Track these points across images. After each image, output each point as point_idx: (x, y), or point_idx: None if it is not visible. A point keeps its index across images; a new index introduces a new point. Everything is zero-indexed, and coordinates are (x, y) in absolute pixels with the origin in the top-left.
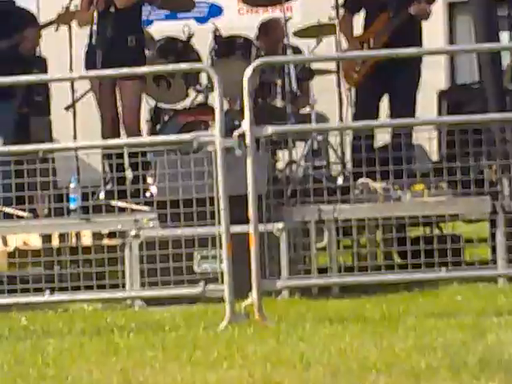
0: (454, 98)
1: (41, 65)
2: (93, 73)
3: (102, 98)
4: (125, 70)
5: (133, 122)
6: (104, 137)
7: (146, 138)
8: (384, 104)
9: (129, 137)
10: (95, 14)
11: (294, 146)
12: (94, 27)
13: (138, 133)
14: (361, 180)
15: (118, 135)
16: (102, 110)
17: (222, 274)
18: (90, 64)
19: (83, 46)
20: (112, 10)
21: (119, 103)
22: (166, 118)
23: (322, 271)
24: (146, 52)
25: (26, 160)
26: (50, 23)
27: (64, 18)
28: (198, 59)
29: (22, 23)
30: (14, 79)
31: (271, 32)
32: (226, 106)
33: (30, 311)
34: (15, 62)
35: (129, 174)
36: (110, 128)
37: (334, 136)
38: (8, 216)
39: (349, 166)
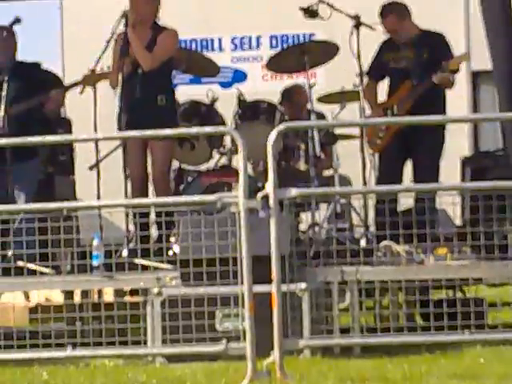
0: (477, 165)
1: (65, 126)
2: (117, 133)
3: (132, 157)
4: (149, 132)
5: (163, 181)
6: (132, 195)
7: (170, 198)
8: (407, 168)
9: (158, 196)
10: (120, 78)
11: (318, 208)
12: (119, 90)
13: (168, 192)
14: (384, 243)
15: (146, 194)
16: (132, 168)
17: (243, 332)
18: (121, 125)
19: (107, 106)
20: (139, 71)
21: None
22: (190, 179)
23: (344, 331)
24: None
25: (50, 218)
26: (75, 85)
27: (89, 79)
28: (222, 122)
29: (47, 84)
30: (39, 139)
31: (294, 97)
32: (249, 169)
33: (52, 366)
34: (40, 123)
35: (153, 232)
36: (139, 187)
37: (358, 199)
38: (31, 272)
39: (372, 228)
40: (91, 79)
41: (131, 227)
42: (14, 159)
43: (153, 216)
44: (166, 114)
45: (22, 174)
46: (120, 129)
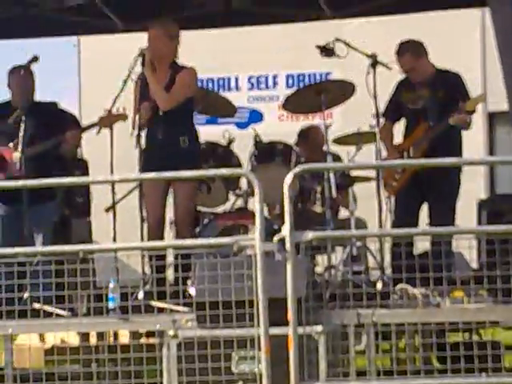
0: (493, 208)
1: (82, 167)
2: (133, 175)
3: (150, 200)
4: (166, 174)
5: (187, 224)
6: (149, 238)
7: (186, 240)
8: (423, 210)
9: (180, 237)
10: (137, 119)
11: (333, 250)
12: (146, 131)
13: (191, 234)
14: (400, 285)
15: (162, 237)
16: (149, 211)
17: (260, 374)
18: (144, 167)
19: (124, 148)
20: (161, 113)
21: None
22: (206, 221)
23: (361, 374)
24: None
25: (67, 260)
26: (91, 126)
27: (105, 121)
28: (239, 164)
29: (64, 125)
30: (56, 181)
31: (311, 139)
32: (265, 211)
33: None
34: (56, 164)
35: (170, 274)
36: (156, 230)
37: (374, 242)
38: (47, 314)
39: (388, 271)
40: (107, 120)
41: (147, 269)
42: (30, 201)
43: (170, 258)
44: (188, 156)
45: (38, 215)
46: (142, 171)
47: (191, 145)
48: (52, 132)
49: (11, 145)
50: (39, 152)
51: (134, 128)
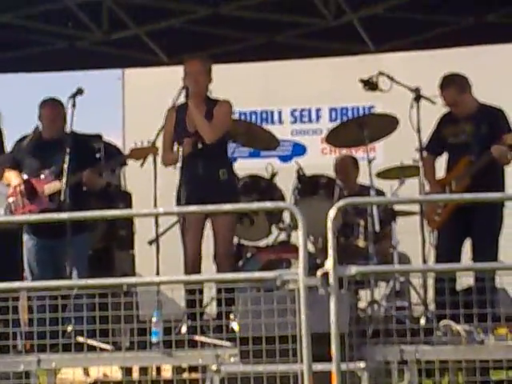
0: None
1: (125, 199)
2: (177, 208)
3: (190, 233)
4: (210, 207)
5: (229, 258)
6: (186, 272)
7: (228, 274)
8: (466, 246)
9: (221, 271)
10: (180, 154)
11: (376, 285)
12: (179, 165)
13: (231, 267)
14: (443, 322)
15: (198, 271)
16: (188, 244)
17: None
18: (181, 200)
19: (167, 180)
20: (200, 146)
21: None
22: (249, 254)
23: None
24: None
25: (110, 293)
26: (115, 162)
27: (137, 153)
28: (281, 197)
29: (108, 157)
30: (101, 213)
31: (338, 169)
32: (308, 245)
33: None
34: (98, 196)
35: (212, 309)
36: (193, 264)
37: (417, 277)
38: (90, 348)
39: (431, 307)
40: (139, 153)
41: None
42: (62, 233)
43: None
44: (228, 189)
45: (72, 248)
46: (180, 204)
47: (230, 177)
48: (96, 164)
49: (42, 177)
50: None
51: (166, 164)
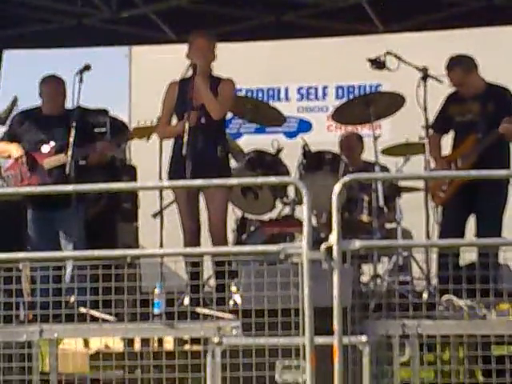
0: None
1: (130, 173)
2: (182, 182)
3: (186, 209)
4: (215, 181)
5: (220, 229)
6: (185, 245)
7: (233, 247)
8: (470, 222)
9: (215, 245)
10: (186, 127)
11: (379, 260)
12: (185, 139)
13: (225, 241)
14: (446, 297)
15: (198, 245)
16: (184, 220)
17: None
18: (175, 174)
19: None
20: (203, 121)
21: (206, 212)
22: (253, 228)
23: None
24: (236, 164)
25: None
26: (127, 138)
27: (139, 132)
28: (286, 172)
29: (114, 131)
30: (106, 186)
31: (343, 146)
32: (312, 219)
33: None
34: (104, 169)
35: (212, 282)
36: (191, 239)
37: (420, 252)
38: (92, 319)
39: (434, 282)
40: (142, 132)
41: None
42: (56, 205)
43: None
44: (223, 166)
45: (67, 219)
46: (171, 178)
47: (225, 155)
48: (101, 139)
49: (43, 150)
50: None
51: (162, 136)
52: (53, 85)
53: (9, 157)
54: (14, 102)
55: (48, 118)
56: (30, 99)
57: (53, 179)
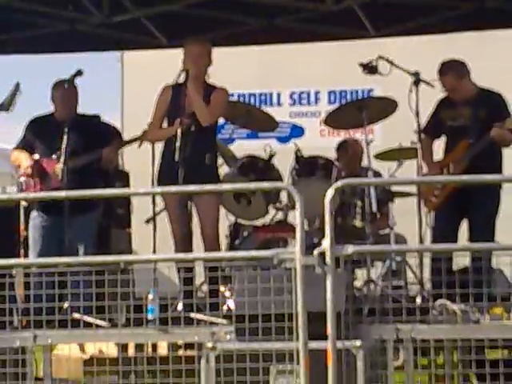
0: None
1: (123, 178)
2: (175, 188)
3: (176, 215)
4: (209, 187)
5: (212, 235)
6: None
7: (226, 253)
8: (463, 227)
9: (207, 250)
10: (179, 132)
11: (373, 265)
12: (177, 144)
13: (217, 246)
14: (439, 301)
15: (190, 251)
16: (175, 226)
17: None
18: (166, 180)
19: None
20: (193, 128)
21: (196, 219)
22: (246, 233)
23: None
24: (228, 170)
25: (107, 270)
26: (134, 140)
27: (147, 135)
28: (279, 178)
29: (107, 138)
30: (98, 192)
31: (348, 151)
32: (305, 224)
33: None
34: (98, 176)
35: (204, 287)
36: (182, 245)
37: (413, 257)
38: (86, 324)
39: (427, 286)
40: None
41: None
42: (72, 212)
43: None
44: (211, 174)
45: (79, 226)
46: (161, 184)
47: (214, 163)
48: (94, 145)
49: (54, 157)
50: (81, 164)
51: (153, 140)
52: (64, 90)
53: (19, 166)
54: (17, 87)
55: (60, 123)
56: (22, 104)
57: (66, 184)
